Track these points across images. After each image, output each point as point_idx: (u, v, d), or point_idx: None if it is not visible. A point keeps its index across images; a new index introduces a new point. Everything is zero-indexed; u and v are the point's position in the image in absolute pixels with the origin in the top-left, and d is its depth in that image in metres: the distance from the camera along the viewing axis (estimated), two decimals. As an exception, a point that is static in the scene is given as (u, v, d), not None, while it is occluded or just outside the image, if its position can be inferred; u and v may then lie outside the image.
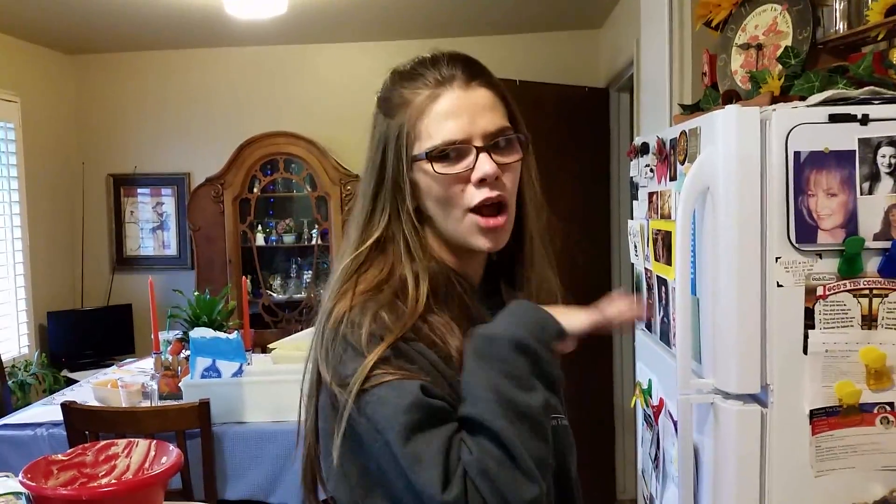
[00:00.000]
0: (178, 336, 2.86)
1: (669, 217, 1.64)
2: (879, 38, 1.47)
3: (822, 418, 1.35)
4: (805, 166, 1.32)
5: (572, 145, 3.77)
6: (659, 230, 1.72)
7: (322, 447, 0.94)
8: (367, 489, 0.88)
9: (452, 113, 0.91)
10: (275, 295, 4.41)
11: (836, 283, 1.33)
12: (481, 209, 0.92)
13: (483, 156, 0.91)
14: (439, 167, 0.91)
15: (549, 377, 0.86)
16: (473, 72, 0.94)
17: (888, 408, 1.34)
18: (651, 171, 1.81)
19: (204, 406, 2.32)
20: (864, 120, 1.31)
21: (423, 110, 0.92)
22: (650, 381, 1.84)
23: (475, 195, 0.92)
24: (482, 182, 0.91)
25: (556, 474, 0.90)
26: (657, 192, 1.75)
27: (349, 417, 0.84)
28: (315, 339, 0.93)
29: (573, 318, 0.92)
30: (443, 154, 0.91)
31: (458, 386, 0.86)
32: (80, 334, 4.33)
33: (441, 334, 0.89)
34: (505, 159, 0.93)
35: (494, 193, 0.92)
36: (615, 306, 0.95)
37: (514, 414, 0.81)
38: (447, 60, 0.94)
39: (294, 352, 2.54)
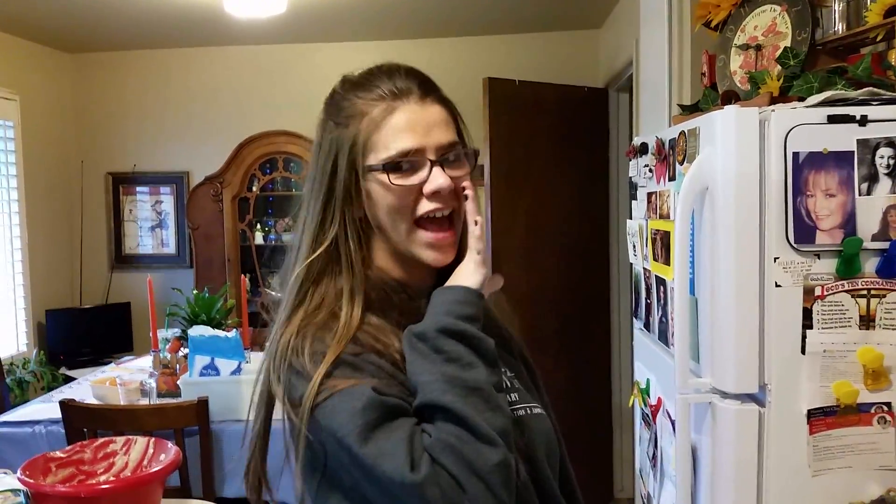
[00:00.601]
0: (177, 334, 2.86)
1: (668, 217, 1.64)
2: (878, 39, 1.47)
3: (820, 418, 1.36)
4: (804, 167, 1.32)
5: (571, 145, 3.77)
6: (658, 230, 1.72)
7: (304, 485, 0.97)
8: None
9: (408, 126, 0.93)
10: (274, 293, 4.40)
11: (834, 284, 1.34)
12: (429, 222, 0.95)
13: (437, 169, 0.93)
14: (395, 178, 0.93)
15: (487, 354, 0.88)
16: (428, 88, 0.96)
17: (885, 408, 1.35)
18: (650, 171, 1.81)
19: (202, 404, 2.33)
20: (863, 121, 1.31)
21: (379, 123, 0.93)
22: (648, 380, 1.84)
23: (426, 206, 0.94)
24: (435, 195, 0.94)
25: (526, 463, 0.92)
26: (656, 192, 1.75)
27: (308, 439, 0.87)
28: (266, 360, 0.96)
29: (474, 274, 0.94)
30: (398, 165, 0.93)
31: (409, 384, 0.88)
32: (79, 332, 4.33)
33: (383, 340, 0.91)
34: (456, 172, 0.96)
35: (445, 205, 0.95)
36: (475, 238, 0.97)
37: (462, 390, 0.84)
38: (403, 73, 0.96)
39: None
